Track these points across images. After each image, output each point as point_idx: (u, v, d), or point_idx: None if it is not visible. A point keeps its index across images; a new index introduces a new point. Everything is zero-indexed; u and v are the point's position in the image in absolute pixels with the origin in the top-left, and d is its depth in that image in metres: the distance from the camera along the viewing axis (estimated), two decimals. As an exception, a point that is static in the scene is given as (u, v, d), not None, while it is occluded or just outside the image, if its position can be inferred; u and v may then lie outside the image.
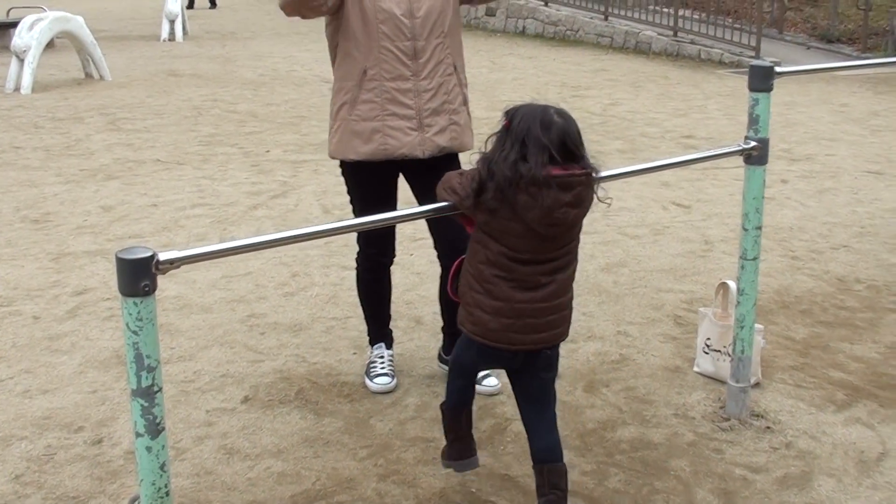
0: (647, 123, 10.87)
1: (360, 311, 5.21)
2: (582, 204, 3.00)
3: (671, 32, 17.13)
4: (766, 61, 3.88)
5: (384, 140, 3.86)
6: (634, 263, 6.18)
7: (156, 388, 2.53)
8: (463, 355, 3.30)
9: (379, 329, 4.52)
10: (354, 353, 4.77)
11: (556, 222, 2.96)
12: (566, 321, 3.19)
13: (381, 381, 4.37)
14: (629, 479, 3.73)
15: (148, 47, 17.86)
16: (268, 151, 9.07)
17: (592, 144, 9.14)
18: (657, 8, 18.41)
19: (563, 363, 4.65)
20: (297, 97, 12.04)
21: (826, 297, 5.60)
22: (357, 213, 4.08)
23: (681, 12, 17.24)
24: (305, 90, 12.56)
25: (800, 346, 4.93)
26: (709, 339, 4.56)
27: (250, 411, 4.21)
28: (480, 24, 20.52)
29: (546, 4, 19.54)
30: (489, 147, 3.05)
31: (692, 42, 16.70)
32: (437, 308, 5.20)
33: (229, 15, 24.88)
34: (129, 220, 6.96)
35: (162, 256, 2.51)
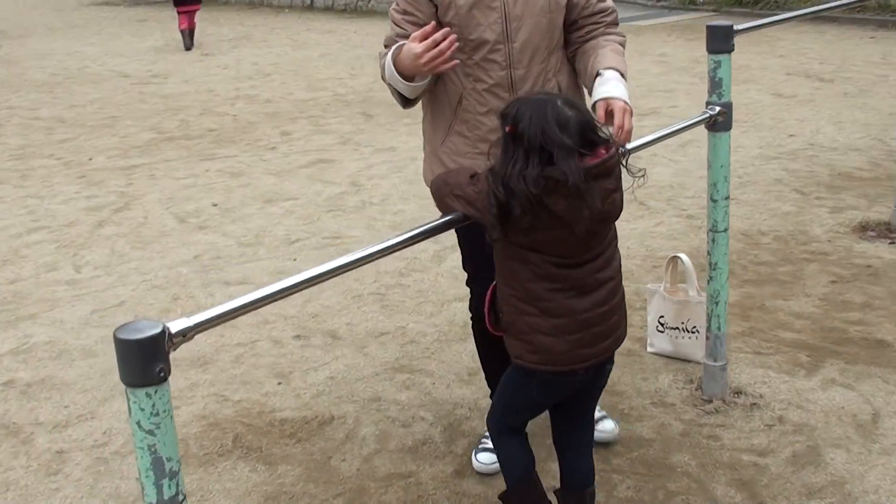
0: (478, 89, 10.57)
1: (268, 332, 4.72)
2: (621, 183, 2.62)
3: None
4: (726, 22, 3.59)
5: None
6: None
7: (181, 498, 2.01)
8: (515, 394, 2.82)
9: (491, 382, 3.66)
10: (279, 383, 4.26)
11: (608, 215, 2.58)
12: (625, 318, 2.80)
13: (483, 459, 3.55)
14: (638, 485, 3.42)
15: None
16: (90, 159, 8.26)
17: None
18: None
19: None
20: (101, 96, 11.12)
21: (739, 254, 5.44)
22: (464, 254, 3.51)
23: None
24: (107, 87, 11.62)
25: (737, 309, 4.74)
26: (662, 316, 4.29)
27: (189, 471, 3.64)
28: (265, 0, 19.76)
29: (332, -24, 19.00)
30: (494, 152, 2.60)
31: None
32: (350, 319, 4.76)
33: (-14, 14, 23.10)
34: (-42, 257, 6.12)
35: (174, 328, 1.97)
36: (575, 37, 3.22)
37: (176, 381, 4.30)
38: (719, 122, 3.64)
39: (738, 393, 3.96)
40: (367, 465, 3.62)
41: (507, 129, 2.53)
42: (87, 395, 4.24)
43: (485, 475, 3.51)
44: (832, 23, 13.72)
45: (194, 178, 7.48)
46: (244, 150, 8.35)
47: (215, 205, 6.80)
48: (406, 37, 3.00)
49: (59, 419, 4.04)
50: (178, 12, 14.52)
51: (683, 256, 4.23)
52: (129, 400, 1.94)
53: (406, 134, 8.69)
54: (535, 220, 2.47)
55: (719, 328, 3.87)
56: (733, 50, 3.62)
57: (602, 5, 3.22)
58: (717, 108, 3.62)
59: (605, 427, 3.61)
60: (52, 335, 4.83)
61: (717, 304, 3.85)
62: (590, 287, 2.64)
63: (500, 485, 3.40)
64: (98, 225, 6.49)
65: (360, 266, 2.41)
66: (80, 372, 4.45)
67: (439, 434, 3.80)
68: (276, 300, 2.20)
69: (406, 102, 3.16)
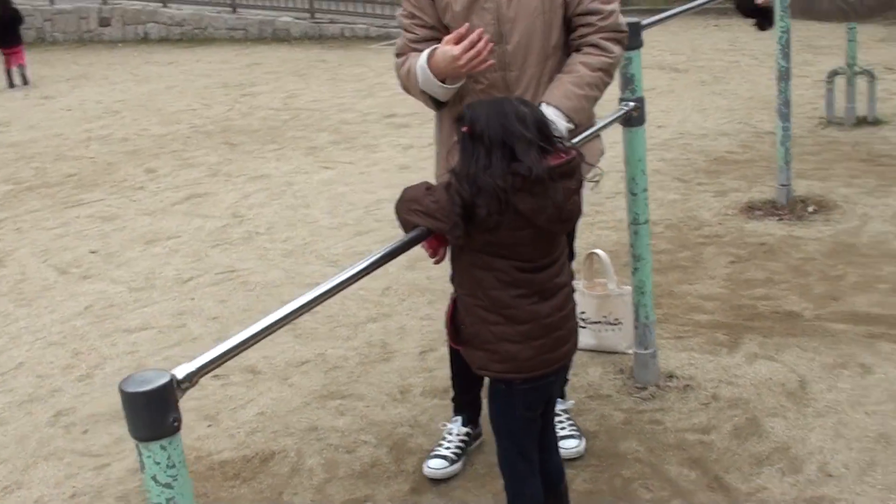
0: (341, 110, 10.56)
1: (184, 374, 4.58)
2: (581, 185, 2.67)
3: (308, 15, 16.83)
4: (633, 18, 3.68)
5: None
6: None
7: (202, 548, 1.93)
8: (506, 416, 2.80)
9: (459, 395, 3.69)
10: (210, 426, 4.15)
11: (570, 216, 2.63)
12: (576, 323, 2.85)
13: (433, 464, 3.56)
14: (594, 476, 3.48)
15: None
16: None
17: (301, 141, 8.79)
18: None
19: (434, 373, 4.33)
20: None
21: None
22: None
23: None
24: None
25: (646, 297, 4.84)
26: (583, 312, 4.35)
27: (137, 526, 3.51)
28: (95, 36, 19.20)
29: (165, 5, 18.59)
30: (453, 157, 2.63)
31: (332, 21, 16.52)
32: (266, 352, 4.68)
33: None
34: None
35: (180, 373, 1.91)
36: (570, 40, 3.24)
37: (99, 437, 4.16)
38: (634, 118, 3.72)
39: (669, 377, 4.06)
40: (321, 496, 3.56)
41: (464, 129, 2.56)
42: (7, 466, 4.03)
43: (439, 482, 3.51)
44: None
45: (65, 227, 7.21)
46: (111, 192, 8.11)
47: (94, 252, 6.58)
48: (418, 41, 3.18)
49: (-17, 492, 3.84)
50: (4, 54, 14.47)
51: (600, 252, 4.31)
52: (141, 455, 1.87)
53: (275, 160, 8.60)
54: (501, 220, 2.50)
55: (647, 317, 3.96)
56: (642, 45, 3.71)
57: (596, 6, 3.16)
58: (632, 104, 3.70)
59: (570, 445, 3.58)
60: (-49, 405, 4.57)
61: (643, 293, 3.93)
62: (550, 292, 2.69)
63: (460, 496, 3.41)
64: (-27, 286, 6.19)
65: (342, 289, 2.36)
66: (-7, 440, 4.23)
67: (386, 455, 3.77)
68: (271, 333, 2.13)
69: (438, 105, 3.23)
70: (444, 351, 4.51)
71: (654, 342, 4.01)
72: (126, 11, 18.84)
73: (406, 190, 2.74)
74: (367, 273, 2.47)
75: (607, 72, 3.18)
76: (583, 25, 3.17)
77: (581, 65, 3.15)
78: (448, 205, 2.53)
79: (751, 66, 10.65)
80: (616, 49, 3.20)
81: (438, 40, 3.12)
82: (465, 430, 3.63)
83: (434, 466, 3.55)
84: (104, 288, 5.87)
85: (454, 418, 3.67)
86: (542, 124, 2.58)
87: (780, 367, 4.06)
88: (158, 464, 1.85)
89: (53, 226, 7.29)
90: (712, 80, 10.14)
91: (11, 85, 14.61)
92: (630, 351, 4.19)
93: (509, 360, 2.67)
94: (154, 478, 1.86)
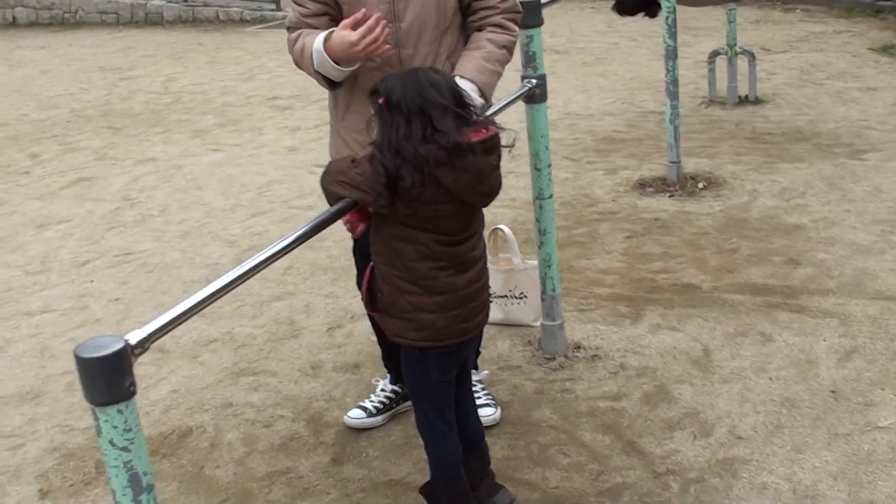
0: (223, 93, 10.43)
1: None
2: (500, 161, 2.76)
3: (181, -1, 16.54)
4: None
5: None
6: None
7: (158, 510, 1.96)
8: (421, 380, 2.88)
9: (385, 356, 3.78)
10: (120, 404, 4.10)
11: (491, 190, 2.72)
12: (489, 294, 2.94)
13: (352, 414, 3.74)
14: (511, 444, 3.58)
15: None
16: None
17: (186, 124, 8.68)
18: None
19: (343, 349, 4.37)
20: None
21: (530, 222, 5.66)
22: None
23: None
24: None
25: (548, 272, 4.97)
26: (489, 287, 4.44)
27: (57, 505, 3.47)
28: (-39, 22, 18.49)
29: (33, -11, 18.02)
30: (372, 130, 2.69)
31: (206, 4, 16.25)
32: (172, 332, 4.63)
33: None
34: None
35: (133, 339, 1.93)
36: (469, 21, 3.30)
37: (11, 419, 4.09)
38: (536, 94, 3.82)
39: (577, 348, 4.19)
40: (243, 468, 3.58)
41: (380, 102, 2.62)
42: None
43: (359, 454, 3.58)
44: None
45: (-50, 213, 6.99)
46: (-6, 177, 7.88)
47: (-17, 236, 6.40)
48: (310, 16, 3.16)
49: None
50: None
51: (504, 227, 4.40)
52: (98, 420, 1.89)
53: (162, 143, 8.47)
54: (422, 191, 2.57)
55: (554, 289, 4.07)
56: (543, 23, 3.81)
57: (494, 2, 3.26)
58: (535, 81, 3.80)
59: (486, 413, 3.64)
60: None
61: (549, 266, 4.05)
62: (467, 265, 2.78)
63: (380, 466, 3.47)
64: None
65: (273, 262, 2.39)
66: None
67: (304, 428, 3.81)
68: (219, 297, 2.15)
69: (333, 86, 3.21)
70: (351, 327, 4.57)
71: (560, 314, 4.12)
72: (-7, -6, 18.23)
73: (331, 163, 2.79)
74: (303, 241, 2.51)
75: (510, 49, 3.28)
76: (483, 8, 3.25)
77: (488, 41, 3.23)
78: (372, 175, 2.58)
79: (630, 48, 10.90)
80: (516, 28, 3.33)
81: (331, 16, 3.19)
82: (391, 387, 3.75)
83: (352, 416, 3.71)
84: (-2, 272, 5.73)
85: (386, 376, 3.79)
86: (456, 92, 2.66)
87: (684, 337, 4.22)
88: (115, 427, 1.87)
89: (-64, 211, 7.06)
90: (594, 61, 10.35)
91: None
92: (537, 324, 4.30)
93: (425, 329, 2.75)
94: (111, 441, 1.88)
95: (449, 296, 2.72)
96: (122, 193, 7.08)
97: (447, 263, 2.71)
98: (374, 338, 3.76)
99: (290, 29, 3.26)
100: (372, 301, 2.86)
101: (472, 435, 3.05)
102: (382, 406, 3.72)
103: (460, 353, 2.87)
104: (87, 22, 17.16)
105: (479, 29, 3.28)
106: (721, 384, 3.83)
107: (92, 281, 5.47)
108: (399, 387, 3.73)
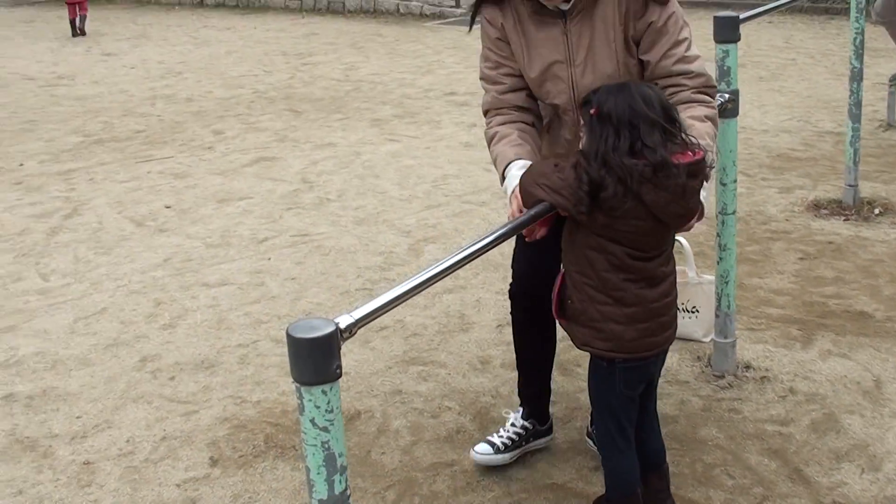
0: (401, 84, 10.64)
1: (265, 332, 4.74)
2: (702, 186, 2.77)
3: (365, -12, 16.91)
4: (730, 13, 3.77)
5: None
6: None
7: (349, 493, 2.05)
8: (606, 393, 2.90)
9: (522, 387, 3.64)
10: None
11: (690, 213, 2.72)
12: (677, 310, 2.95)
13: (478, 448, 3.56)
14: (675, 460, 3.55)
15: None
16: (21, 165, 8.02)
17: (365, 112, 8.89)
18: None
19: (511, 347, 4.41)
20: (10, 100, 10.71)
21: (706, 235, 5.62)
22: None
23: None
24: (14, 91, 11.17)
25: (718, 288, 4.92)
26: (662, 298, 4.44)
27: (228, 474, 3.65)
28: (153, -3, 19.35)
29: (223, -29, 18.70)
30: (582, 140, 2.73)
31: (387, -3, 16.57)
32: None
33: None
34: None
35: (343, 323, 2.02)
36: None
37: (186, 385, 4.29)
38: (728, 109, 3.80)
39: (746, 368, 4.15)
40: (409, 457, 3.68)
41: (591, 112, 2.64)
42: (97, 405, 4.18)
43: (486, 468, 3.56)
44: (725, 8, 14.15)
45: (137, 181, 7.36)
46: (180, 150, 8.24)
47: (168, 207, 6.72)
48: (507, 91, 3.09)
49: (75, 430, 3.99)
50: (68, 3, 14.69)
51: (682, 240, 4.38)
52: (302, 398, 1.97)
53: (341, 129, 8.71)
54: (622, 205, 2.59)
55: (729, 306, 4.04)
56: (740, 39, 3.79)
57: (682, 67, 2.93)
58: (727, 96, 3.78)
59: (482, 449, 3.58)
60: (39, 346, 4.72)
61: (726, 283, 4.02)
62: (658, 279, 2.78)
63: (544, 468, 3.52)
64: (51, 232, 6.34)
65: (478, 257, 2.46)
66: (82, 381, 4.37)
67: (470, 423, 3.88)
68: (426, 287, 2.23)
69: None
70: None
71: (733, 332, 4.09)
72: (186, -27, 18.97)
73: (534, 164, 2.84)
74: (502, 241, 2.57)
75: (714, 121, 2.95)
76: (672, 86, 2.93)
77: (691, 119, 2.86)
78: (575, 182, 2.62)
79: (807, 65, 10.65)
80: (712, 99, 2.98)
81: (526, 89, 3.09)
82: (522, 422, 3.59)
83: (479, 451, 3.55)
84: (180, 242, 6.01)
85: (518, 408, 3.66)
86: (667, 107, 2.66)
87: (855, 366, 4.14)
88: (318, 408, 1.96)
89: (125, 179, 7.44)
90: (770, 76, 10.15)
91: (75, 34, 14.81)
92: (706, 339, 4.28)
93: (613, 339, 2.76)
94: (313, 420, 1.96)
95: (639, 308, 2.74)
96: (300, 175, 7.32)
97: (638, 276, 2.73)
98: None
99: (487, 113, 3.15)
100: (561, 308, 2.89)
101: (653, 455, 3.06)
102: (511, 443, 3.54)
103: (647, 367, 2.89)
104: (272, 7, 17.73)
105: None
106: (891, 418, 3.75)
107: (269, 258, 5.68)
108: (530, 423, 3.59)
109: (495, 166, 3.09)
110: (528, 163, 2.93)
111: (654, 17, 2.91)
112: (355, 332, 2.06)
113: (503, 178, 3.00)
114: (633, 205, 2.60)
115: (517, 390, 3.69)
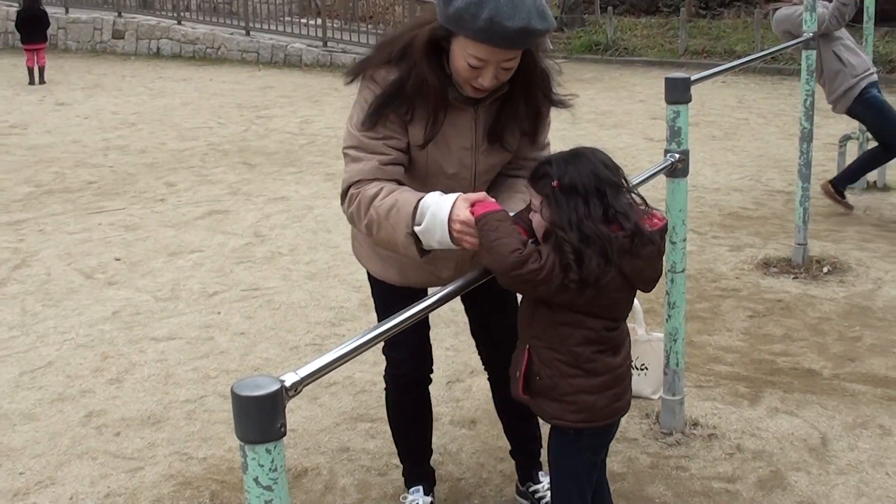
0: (356, 138, 10.67)
1: (213, 387, 4.70)
2: None
3: (321, 43, 17.01)
4: (682, 74, 3.84)
5: None
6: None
7: (292, 550, 2.03)
8: (572, 461, 2.84)
9: (414, 466, 3.61)
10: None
11: (658, 276, 2.71)
12: None
13: None
14: (624, 519, 3.55)
15: None
16: (-33, 216, 7.94)
17: (319, 166, 8.88)
18: (297, 19, 18.24)
19: (461, 404, 4.42)
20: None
21: (657, 293, 5.66)
22: None
23: (328, 22, 17.17)
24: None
25: (667, 344, 4.96)
26: (611, 354, 4.46)
27: (173, 531, 3.59)
28: (108, 48, 19.36)
29: (180, 23, 18.77)
30: (545, 214, 2.59)
31: (344, 51, 16.70)
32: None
33: None
34: None
35: (288, 381, 2.01)
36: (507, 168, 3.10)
37: (132, 441, 4.23)
38: (679, 169, 3.85)
39: (694, 425, 4.17)
40: (358, 516, 3.64)
41: (553, 185, 2.55)
42: (40, 461, 4.10)
43: (470, 486, 3.58)
44: (680, 68, 14.42)
45: (88, 233, 7.30)
46: (132, 202, 8.20)
47: (118, 259, 6.67)
48: (391, 164, 2.83)
49: (17, 486, 3.91)
50: (27, 51, 14.71)
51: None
52: (246, 457, 1.95)
53: (294, 183, 8.72)
54: (607, 270, 2.52)
55: (678, 364, 4.07)
56: (691, 100, 3.85)
57: (540, 154, 3.03)
58: (677, 156, 3.84)
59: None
60: (-18, 399, 4.64)
61: (675, 341, 4.05)
62: (619, 345, 2.76)
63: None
64: (-1, 283, 6.27)
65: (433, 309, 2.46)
66: (26, 437, 4.30)
67: (417, 480, 3.85)
68: (374, 345, 2.24)
69: (423, 254, 2.77)
70: (470, 382, 4.63)
71: (682, 389, 4.11)
72: (141, 26, 19.02)
73: (491, 216, 2.60)
74: (453, 297, 2.57)
75: None
76: (525, 158, 3.04)
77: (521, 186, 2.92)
78: (557, 255, 2.50)
79: (759, 125, 10.85)
80: None
81: (403, 165, 2.89)
82: (428, 499, 3.55)
83: None
84: (130, 295, 5.96)
85: (413, 489, 3.57)
86: (622, 172, 2.65)
87: (802, 423, 4.17)
88: (262, 466, 1.94)
89: (75, 230, 7.38)
90: (722, 135, 10.32)
91: (32, 81, 14.78)
92: (655, 397, 4.31)
93: (585, 411, 2.71)
94: (256, 479, 1.94)
95: (608, 376, 2.70)
96: (253, 229, 7.31)
97: (606, 346, 2.70)
98: (491, 394, 3.69)
99: (359, 182, 2.81)
100: (527, 386, 2.78)
101: None
102: None
103: (612, 431, 2.87)
104: (228, 59, 17.80)
105: (516, 176, 3.07)
106: (837, 475, 3.77)
107: (219, 313, 5.65)
108: (432, 495, 3.56)
109: (390, 221, 2.71)
110: (440, 193, 2.69)
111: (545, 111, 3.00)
112: (301, 391, 2.05)
113: (414, 215, 2.66)
114: (614, 277, 2.56)
115: (406, 474, 3.62)
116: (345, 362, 2.18)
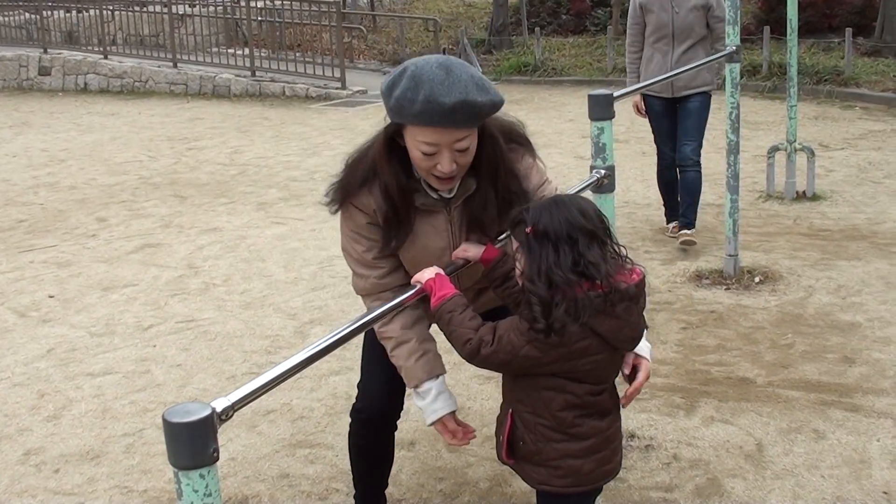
0: (287, 167, 10.68)
1: (151, 420, 4.66)
2: None
3: (249, 73, 16.99)
4: (604, 90, 3.90)
5: None
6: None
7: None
8: None
9: (369, 500, 3.61)
10: (180, 469, 4.19)
11: (641, 332, 2.62)
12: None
13: None
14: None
15: None
16: None
17: (251, 196, 8.87)
18: (225, 49, 18.21)
19: (399, 426, 4.43)
20: None
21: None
22: None
23: (255, 52, 17.16)
24: None
25: (603, 359, 5.02)
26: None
27: (113, 566, 3.55)
28: (35, 84, 19.12)
29: (106, 57, 18.61)
30: (520, 262, 2.58)
31: (273, 80, 16.69)
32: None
33: None
34: None
35: (219, 406, 2.02)
36: None
37: (71, 477, 4.19)
38: (605, 185, 3.91)
39: (631, 437, 4.22)
40: (299, 542, 3.63)
41: (527, 231, 2.52)
42: (-22, 503, 4.04)
43: None
44: (608, 86, 14.57)
45: (20, 271, 7.20)
46: (63, 239, 8.11)
47: (52, 296, 6.59)
48: (387, 274, 2.99)
49: (-49, 530, 3.85)
50: None
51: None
52: (180, 483, 1.96)
53: (227, 214, 8.68)
54: (576, 323, 2.45)
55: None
56: (614, 116, 3.92)
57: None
58: (603, 171, 3.90)
59: None
60: (-86, 443, 4.56)
61: (609, 354, 4.09)
62: (608, 409, 2.69)
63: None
64: (-73, 326, 6.16)
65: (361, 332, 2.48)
66: (-39, 479, 4.23)
67: (359, 504, 3.85)
68: (302, 369, 2.25)
69: None
70: (408, 405, 4.59)
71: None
72: (67, 61, 18.81)
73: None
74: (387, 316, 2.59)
75: None
76: None
77: None
78: (524, 308, 2.49)
79: (690, 142, 10.98)
80: None
81: (402, 265, 3.01)
82: None
83: None
84: (65, 332, 5.89)
85: None
86: (602, 217, 2.58)
87: (737, 431, 4.25)
88: (196, 492, 1.95)
89: (7, 269, 7.28)
90: (652, 151, 10.39)
91: None
92: (592, 410, 4.34)
93: (571, 475, 2.64)
94: (192, 506, 1.95)
95: (595, 439, 2.64)
96: (186, 261, 7.26)
97: (593, 410, 2.63)
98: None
99: (365, 297, 3.06)
100: (511, 450, 2.73)
101: None
102: None
103: (597, 493, 2.82)
104: (157, 92, 17.67)
105: None
106: (773, 480, 3.85)
107: (154, 346, 5.61)
108: None
109: (393, 360, 2.99)
110: (444, 391, 2.94)
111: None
112: (232, 415, 2.05)
113: (415, 387, 2.95)
114: (590, 341, 2.49)
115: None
116: (275, 386, 2.18)
